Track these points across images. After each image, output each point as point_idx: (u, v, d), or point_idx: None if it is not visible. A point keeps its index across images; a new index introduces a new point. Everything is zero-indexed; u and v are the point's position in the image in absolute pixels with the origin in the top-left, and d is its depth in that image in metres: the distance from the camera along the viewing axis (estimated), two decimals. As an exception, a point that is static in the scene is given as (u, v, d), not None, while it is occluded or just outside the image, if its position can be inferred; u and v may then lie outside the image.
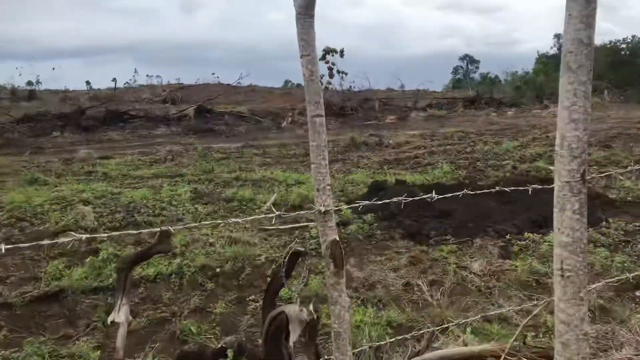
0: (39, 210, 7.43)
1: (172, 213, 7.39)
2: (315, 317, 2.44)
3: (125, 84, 32.92)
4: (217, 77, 32.77)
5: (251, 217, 1.60)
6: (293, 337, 2.49)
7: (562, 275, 1.64)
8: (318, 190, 1.50)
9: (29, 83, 34.13)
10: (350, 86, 24.39)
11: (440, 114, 22.68)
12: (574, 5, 1.61)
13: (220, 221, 1.54)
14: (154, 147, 14.68)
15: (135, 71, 49.41)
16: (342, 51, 22.50)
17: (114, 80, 30.50)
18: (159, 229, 1.37)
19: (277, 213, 1.46)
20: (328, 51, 22.41)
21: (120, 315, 1.90)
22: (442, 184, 8.94)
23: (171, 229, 1.36)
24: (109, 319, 1.94)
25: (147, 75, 37.88)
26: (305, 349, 2.45)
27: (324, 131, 1.49)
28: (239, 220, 1.50)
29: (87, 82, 37.32)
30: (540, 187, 1.77)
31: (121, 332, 1.94)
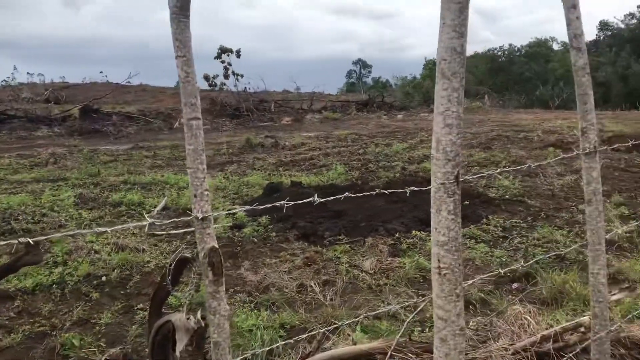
0: None
1: (53, 219, 6.93)
2: (202, 325, 2.38)
3: (2, 81, 30.46)
4: (106, 75, 31.13)
5: (120, 227, 1.52)
6: (180, 346, 2.41)
7: (439, 273, 1.71)
8: (195, 196, 1.45)
9: None
10: (246, 87, 24.18)
11: (335, 117, 23.09)
12: (448, 14, 1.68)
13: (79, 231, 1.42)
14: (34, 150, 13.68)
15: (15, 68, 45.84)
16: (238, 52, 22.23)
17: (-10, 77, 28.06)
18: (16, 242, 1.25)
19: (150, 220, 1.39)
20: (224, 50, 22.06)
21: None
22: (336, 185, 9.11)
23: (30, 240, 1.25)
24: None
25: (27, 73, 35.25)
26: (192, 358, 2.38)
27: (201, 134, 1.45)
28: (107, 229, 1.41)
29: (-42, 79, 34.15)
30: (417, 189, 1.84)
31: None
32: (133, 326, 4.11)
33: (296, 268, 5.27)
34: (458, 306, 1.71)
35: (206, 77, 22.24)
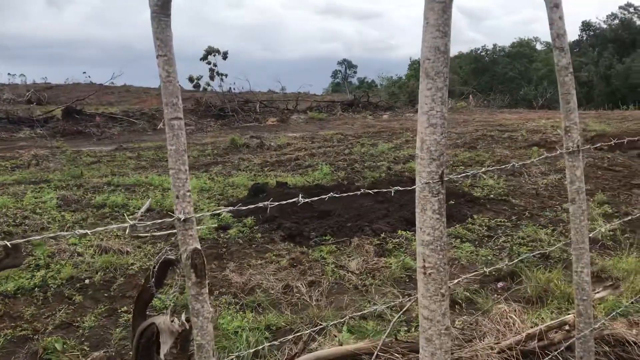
0: None
1: (35, 222, 6.84)
2: (187, 327, 2.36)
3: (-18, 82, 30.09)
4: (89, 76, 31.01)
5: (101, 228, 1.49)
6: (164, 348, 2.38)
7: (424, 273, 1.70)
8: (177, 197, 1.43)
9: None
10: (231, 88, 24.10)
11: (320, 117, 23.09)
12: (431, 13, 1.68)
13: (60, 233, 1.39)
14: (16, 151, 13.50)
15: (-4, 69, 45.33)
16: (225, 53, 22.13)
17: (-32, 78, 27.75)
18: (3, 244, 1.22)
19: (132, 222, 1.37)
20: (210, 51, 21.95)
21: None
22: (322, 185, 9.09)
23: (8, 243, 1.22)
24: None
25: (8, 74, 34.94)
26: (177, 361, 2.35)
27: (183, 134, 1.43)
28: (88, 232, 1.38)
29: None
30: (402, 188, 1.83)
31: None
32: (117, 329, 4.06)
33: (282, 269, 5.25)
34: (443, 306, 1.71)
35: (190, 79, 22.14)
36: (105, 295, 4.72)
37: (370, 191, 1.87)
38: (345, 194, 1.94)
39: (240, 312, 4.24)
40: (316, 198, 1.77)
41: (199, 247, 1.45)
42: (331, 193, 1.75)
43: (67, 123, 18.50)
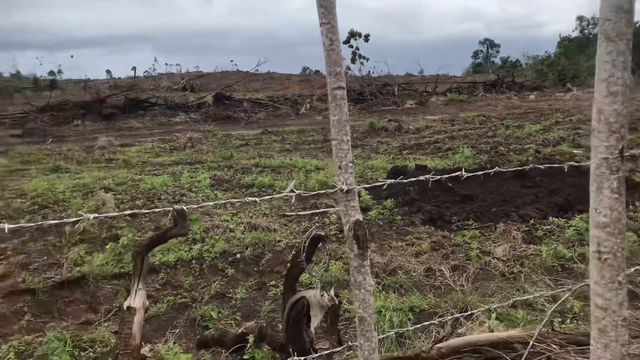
0: (61, 197, 7.49)
1: (191, 199, 7.39)
2: (336, 302, 2.39)
3: (144, 72, 33.18)
4: (236, 64, 32.93)
5: (270, 197, 1.53)
6: (314, 322, 2.44)
7: (599, 258, 1.55)
8: (340, 167, 1.43)
9: (51, 73, 34.68)
10: (369, 71, 24.17)
11: (461, 99, 22.36)
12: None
13: (242, 199, 1.49)
14: (173, 135, 14.70)
15: (155, 60, 50.04)
16: (367, 36, 22.20)
17: (134, 69, 30.81)
18: (171, 208, 1.31)
19: (298, 192, 1.39)
20: (352, 35, 22.16)
21: (136, 300, 1.85)
22: (463, 169, 8.80)
23: (184, 207, 1.30)
24: (125, 305, 1.90)
25: (166, 64, 38.38)
26: (327, 335, 2.40)
27: (345, 104, 1.41)
28: (257, 199, 1.43)
29: (108, 71, 37.87)
30: (577, 164, 1.67)
31: (137, 318, 1.90)
32: (266, 302, 4.25)
33: (423, 252, 5.16)
34: (620, 295, 1.54)
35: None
36: (255, 269, 4.97)
37: (540, 166, 1.73)
38: (509, 169, 1.82)
39: (383, 292, 4.23)
40: (470, 174, 1.68)
41: (360, 218, 1.43)
42: (497, 167, 1.65)
43: (217, 108, 19.77)
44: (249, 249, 5.33)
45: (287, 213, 6.39)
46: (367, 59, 22.77)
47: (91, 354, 3.30)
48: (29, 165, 10.72)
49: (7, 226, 1.05)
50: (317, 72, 41.18)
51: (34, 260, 5.17)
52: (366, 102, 21.30)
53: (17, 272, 4.83)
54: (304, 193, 1.42)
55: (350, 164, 1.41)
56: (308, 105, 20.50)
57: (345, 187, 1.41)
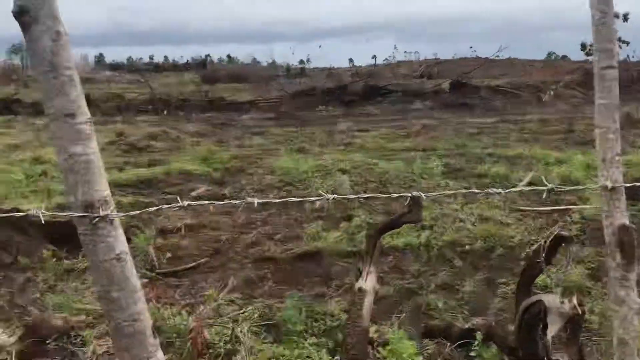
0: (304, 176, 8.12)
1: (421, 186, 7.39)
2: (579, 312, 2.14)
3: (384, 60, 34.24)
4: (475, 50, 31.92)
5: (514, 189, 1.40)
6: (552, 330, 2.22)
7: None
8: (604, 160, 1.22)
9: (301, 62, 37.93)
10: (628, 55, 21.37)
11: None
12: None
13: (479, 191, 1.40)
14: (409, 121, 14.88)
15: (395, 48, 51.20)
16: (625, 15, 19.69)
17: (374, 57, 31.94)
18: (409, 194, 1.27)
19: (550, 186, 1.23)
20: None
21: (367, 282, 1.87)
22: None
23: (423, 195, 1.25)
24: (356, 286, 1.94)
25: (405, 52, 39.02)
26: (566, 346, 2.16)
27: (616, 87, 1.21)
28: (501, 191, 1.31)
29: (350, 60, 40.03)
30: None
31: (367, 300, 1.93)
32: (495, 299, 4.04)
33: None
34: None
35: (583, 45, 20.44)
36: (484, 263, 4.76)
37: None
38: None
39: None
40: None
41: (627, 222, 1.22)
42: None
43: (453, 95, 19.46)
44: (479, 241, 5.13)
45: (523, 207, 5.99)
46: (628, 43, 20.13)
47: (322, 326, 3.49)
48: (279, 145, 11.84)
49: (256, 201, 1.12)
50: (563, 57, 37.86)
51: (278, 232, 5.69)
52: (621, 89, 18.90)
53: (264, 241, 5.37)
54: (557, 188, 1.26)
55: (618, 157, 1.21)
56: (552, 93, 18.96)
57: (610, 184, 1.20)
